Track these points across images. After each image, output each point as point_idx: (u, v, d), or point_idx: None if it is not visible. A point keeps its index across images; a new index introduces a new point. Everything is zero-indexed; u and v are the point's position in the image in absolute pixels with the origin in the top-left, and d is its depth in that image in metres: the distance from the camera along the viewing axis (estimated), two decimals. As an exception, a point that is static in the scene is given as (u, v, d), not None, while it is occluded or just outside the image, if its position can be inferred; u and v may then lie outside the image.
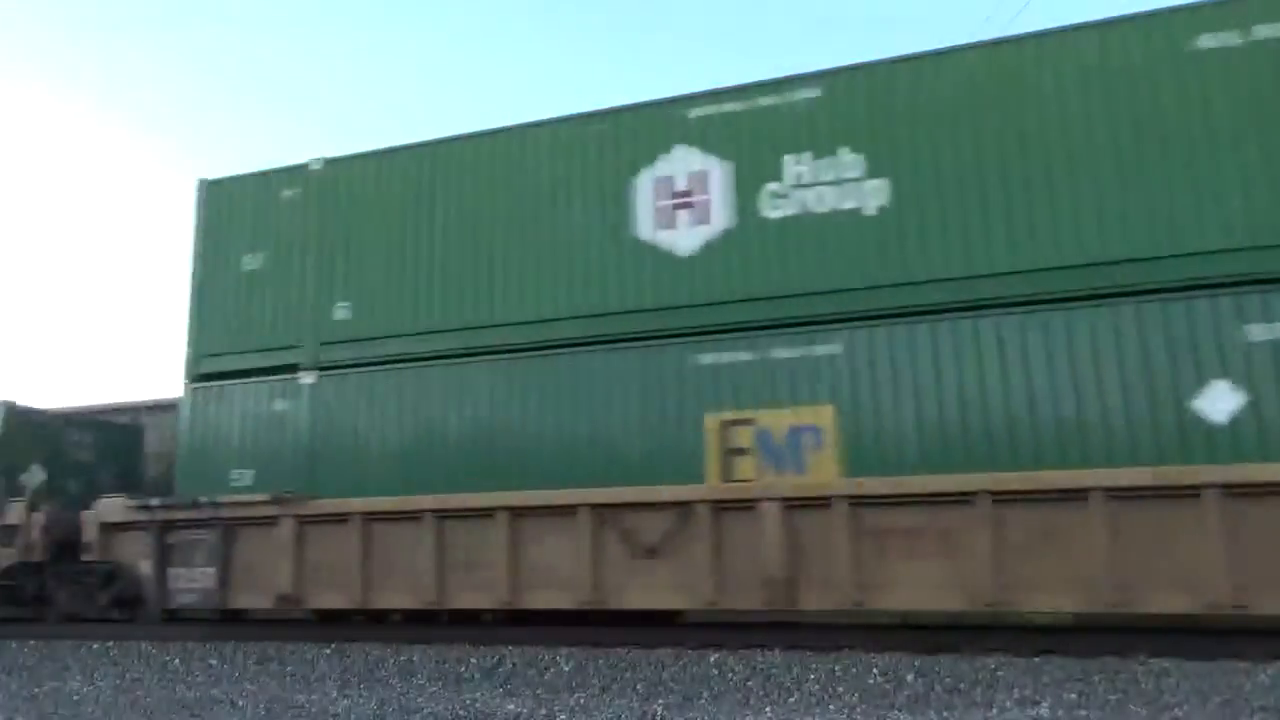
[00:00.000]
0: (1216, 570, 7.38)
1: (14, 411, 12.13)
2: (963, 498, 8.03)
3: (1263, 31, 8.04)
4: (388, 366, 10.26)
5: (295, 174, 11.20)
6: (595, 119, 10.11)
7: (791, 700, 6.69)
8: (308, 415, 10.47)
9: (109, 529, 11.04)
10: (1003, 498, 7.94)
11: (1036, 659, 7.42)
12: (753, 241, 9.27)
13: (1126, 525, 7.65)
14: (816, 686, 6.98)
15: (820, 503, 8.45)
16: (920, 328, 8.56)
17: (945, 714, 6.14)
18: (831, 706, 6.44)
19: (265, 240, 11.14)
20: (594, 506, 9.08)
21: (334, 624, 10.68)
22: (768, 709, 6.44)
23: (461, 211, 10.40)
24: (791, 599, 8.47)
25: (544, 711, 6.49)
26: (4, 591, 11.48)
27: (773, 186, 9.31)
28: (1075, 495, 7.76)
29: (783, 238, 9.17)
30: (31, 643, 10.30)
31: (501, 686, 7.49)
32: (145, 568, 10.77)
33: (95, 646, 9.89)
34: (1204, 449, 7.62)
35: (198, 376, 11.11)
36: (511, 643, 9.05)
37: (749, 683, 7.21)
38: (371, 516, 9.92)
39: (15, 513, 11.44)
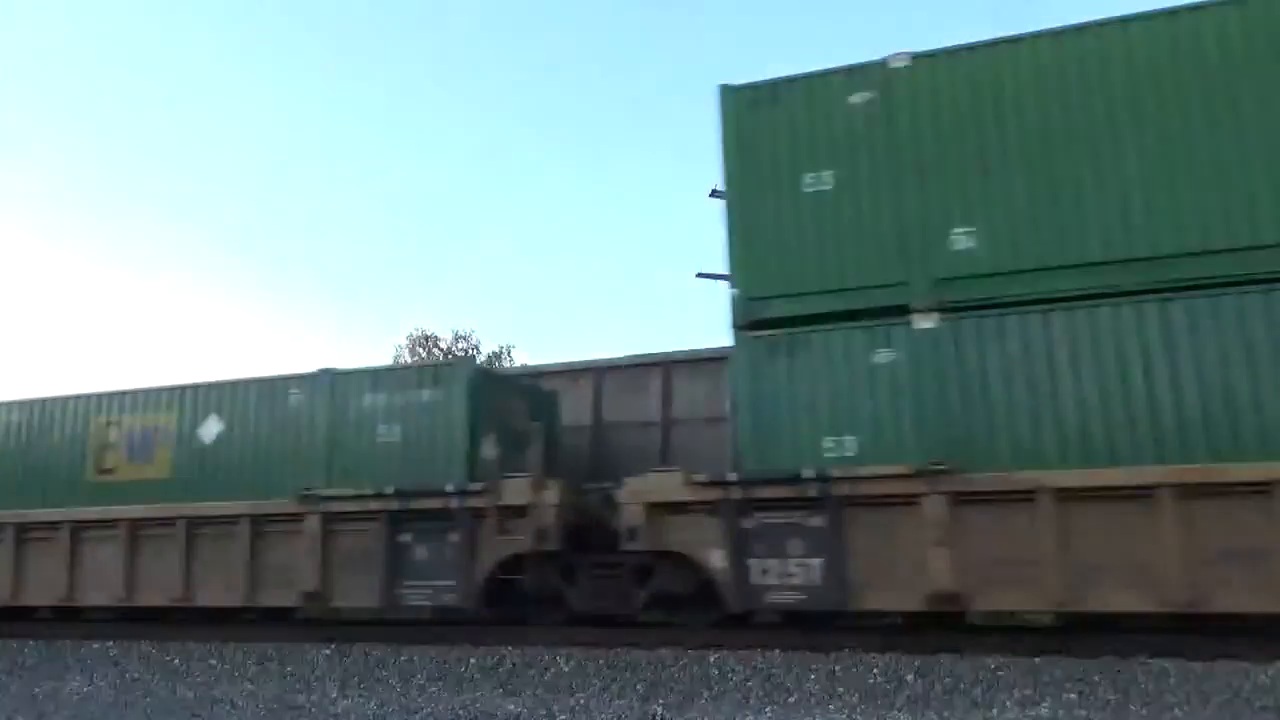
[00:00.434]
0: None
1: (481, 373, 10.43)
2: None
3: None
4: (1046, 307, 8.02)
5: (868, 74, 8.97)
6: None
7: (791, 700, 6.69)
8: (931, 367, 8.22)
9: (658, 510, 8.84)
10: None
11: (1037, 659, 7.41)
12: None
13: None
14: (816, 686, 6.97)
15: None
16: None
17: (945, 714, 6.14)
18: (831, 706, 6.44)
19: (832, 155, 8.93)
20: None
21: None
22: (768, 709, 6.44)
23: (1147, 101, 8.14)
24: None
25: (544, 711, 6.50)
26: (500, 588, 9.34)
27: None
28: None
29: None
30: (31, 643, 10.29)
31: (501, 686, 7.49)
32: (717, 559, 8.48)
33: (95, 646, 9.88)
34: None
35: (751, 324, 8.80)
36: (511, 643, 9.04)
37: (749, 683, 7.20)
38: (1073, 494, 7.57)
39: (518, 490, 9.21)
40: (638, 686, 7.24)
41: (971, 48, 8.67)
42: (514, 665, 8.14)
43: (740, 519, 8.42)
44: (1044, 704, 6.23)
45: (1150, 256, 7.80)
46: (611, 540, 8.97)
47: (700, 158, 66.85)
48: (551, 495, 9.10)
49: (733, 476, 8.49)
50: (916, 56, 8.83)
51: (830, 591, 8.08)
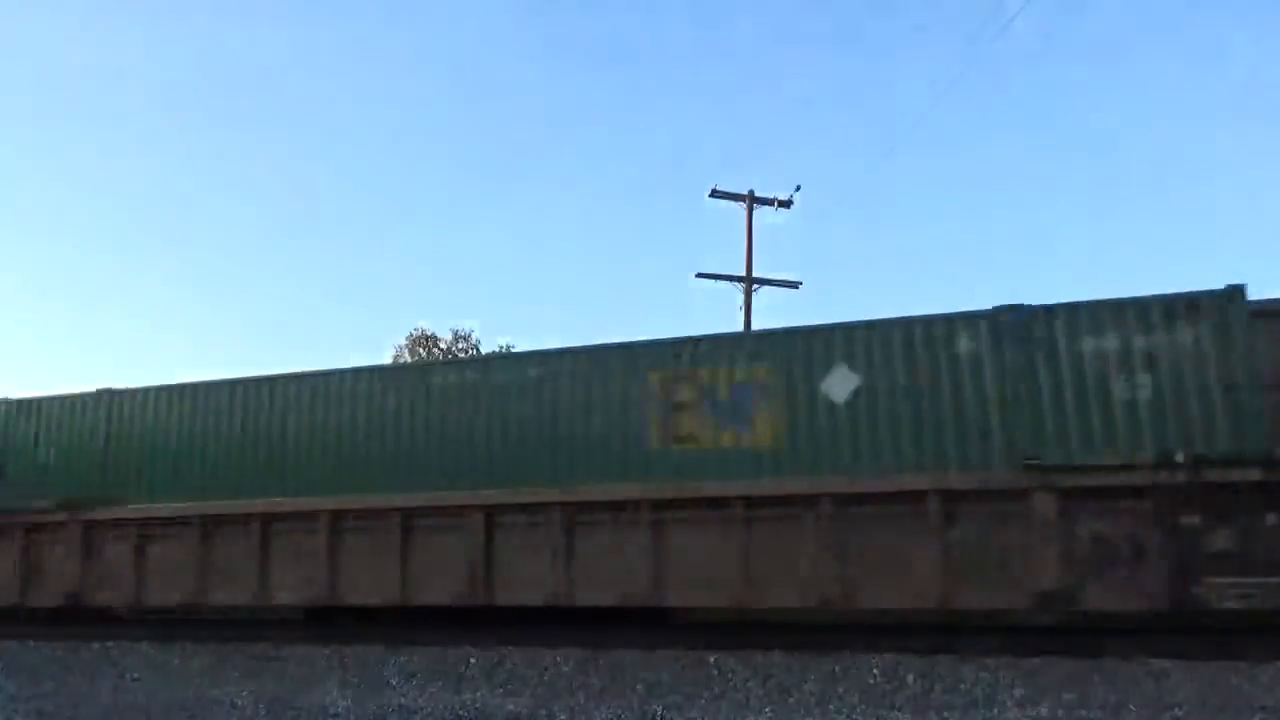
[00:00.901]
0: None
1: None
2: None
3: None
4: None
5: None
6: None
7: (791, 700, 6.68)
8: None
9: None
10: None
11: (1036, 660, 7.41)
12: None
13: None
14: (816, 686, 6.97)
15: None
16: None
17: (945, 714, 6.14)
18: (831, 706, 6.43)
19: None
20: None
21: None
22: (768, 709, 6.43)
23: None
24: None
25: (544, 711, 6.49)
26: None
27: None
28: None
29: None
30: (31, 643, 10.28)
31: (501, 687, 7.48)
32: None
33: (95, 646, 9.87)
34: None
35: None
36: (511, 643, 9.03)
37: (749, 683, 7.20)
38: None
39: None
40: (638, 686, 7.23)
41: None
42: (514, 665, 8.14)
43: None
44: (1044, 705, 6.22)
45: None
46: None
47: (701, 158, 66.72)
48: None
49: None
50: None
51: None
